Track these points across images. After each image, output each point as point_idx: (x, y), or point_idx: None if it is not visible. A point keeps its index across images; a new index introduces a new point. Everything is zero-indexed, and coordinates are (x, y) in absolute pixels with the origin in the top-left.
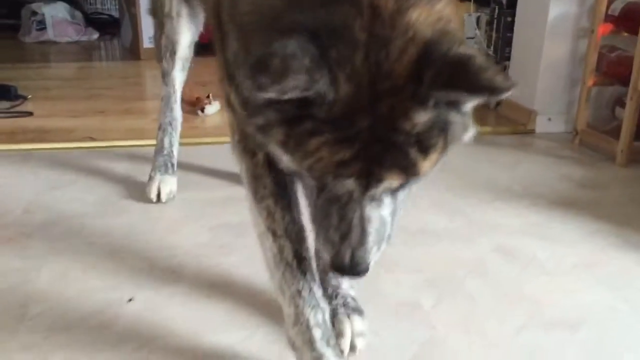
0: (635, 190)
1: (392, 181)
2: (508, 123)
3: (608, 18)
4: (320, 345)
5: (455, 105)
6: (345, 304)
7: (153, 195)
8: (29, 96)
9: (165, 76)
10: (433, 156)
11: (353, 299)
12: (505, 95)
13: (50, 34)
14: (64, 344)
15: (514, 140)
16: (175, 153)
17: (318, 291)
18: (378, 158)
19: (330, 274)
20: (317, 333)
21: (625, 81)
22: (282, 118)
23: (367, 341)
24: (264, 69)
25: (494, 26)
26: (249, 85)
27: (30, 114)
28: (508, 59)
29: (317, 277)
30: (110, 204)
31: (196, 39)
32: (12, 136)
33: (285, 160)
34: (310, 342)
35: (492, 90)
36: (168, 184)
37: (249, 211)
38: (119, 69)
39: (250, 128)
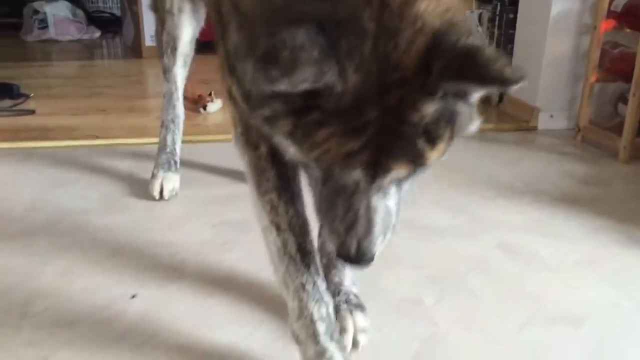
0: (638, 186)
1: (399, 171)
2: (510, 120)
3: (611, 14)
4: (324, 339)
5: (462, 96)
6: (347, 301)
7: (156, 193)
8: (32, 94)
9: (167, 72)
10: (440, 146)
11: (355, 295)
12: (515, 87)
13: (52, 33)
14: (68, 340)
15: (516, 137)
16: (178, 150)
17: (322, 285)
18: (386, 149)
19: (333, 271)
20: (320, 327)
21: (628, 77)
22: (289, 109)
23: (369, 337)
24: (273, 61)
25: (496, 23)
26: (258, 77)
27: (32, 112)
28: (510, 55)
29: (321, 271)
30: (113, 202)
31: (197, 34)
32: (14, 134)
33: (292, 151)
34: (314, 336)
35: (502, 81)
36: (171, 182)
37: (252, 204)
38: (121, 67)
39: (255, 119)
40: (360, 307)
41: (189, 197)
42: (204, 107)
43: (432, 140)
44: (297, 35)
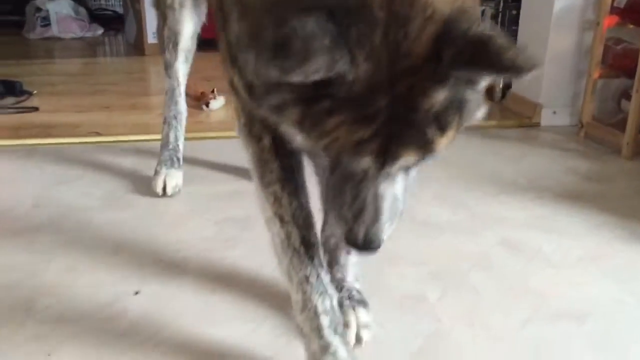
0: None
1: (408, 159)
2: (513, 116)
3: (614, 10)
4: (328, 333)
5: (471, 83)
6: (350, 297)
7: (159, 189)
8: (35, 92)
9: (168, 68)
10: (450, 133)
11: (358, 291)
12: (528, 75)
13: (54, 30)
14: (71, 336)
15: (519, 134)
16: (180, 147)
17: (326, 277)
18: (396, 136)
19: (336, 267)
20: (324, 320)
21: (631, 73)
22: (297, 97)
23: (372, 333)
24: (284, 52)
25: (499, 19)
26: (268, 67)
27: (35, 109)
28: None
29: (325, 263)
30: (117, 199)
31: (199, 30)
32: (17, 131)
33: (300, 140)
34: (318, 330)
35: (514, 69)
36: (174, 178)
37: (256, 196)
38: (123, 65)
39: (261, 108)
40: (362, 303)
41: (192, 194)
42: (207, 104)
43: (441, 127)
44: (308, 24)
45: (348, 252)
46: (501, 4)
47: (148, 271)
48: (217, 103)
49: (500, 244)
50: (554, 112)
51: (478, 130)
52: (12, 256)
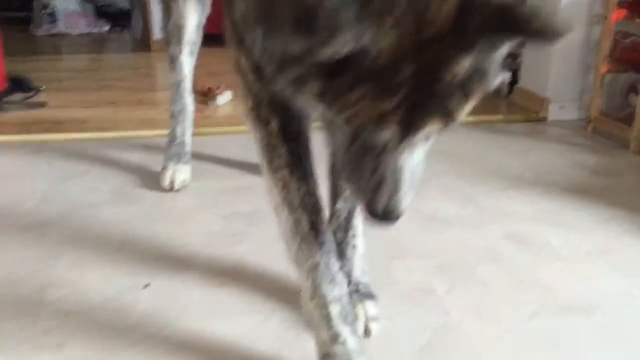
0: None
1: (432, 128)
2: (520, 111)
3: (622, 4)
4: (337, 323)
5: (495, 49)
6: (357, 290)
7: (166, 184)
8: (42, 88)
9: (173, 61)
10: (472, 102)
11: (365, 285)
12: (561, 39)
13: (61, 27)
14: (82, 328)
15: (526, 128)
16: (188, 142)
17: (335, 264)
18: (420, 106)
19: (343, 261)
20: (334, 309)
21: (639, 68)
22: (318, 70)
23: (381, 326)
24: (309, 27)
25: None
26: (295, 42)
27: (43, 105)
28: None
29: (334, 249)
30: (125, 193)
31: (204, 21)
32: (26, 127)
33: (319, 111)
34: (328, 319)
35: (546, 34)
36: (181, 173)
37: (264, 182)
38: (130, 61)
39: (278, 83)
40: (370, 296)
41: (200, 189)
42: (214, 100)
43: (466, 95)
44: None
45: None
46: None
47: (156, 265)
48: (224, 98)
49: (508, 237)
50: (562, 107)
51: (485, 125)
52: (21, 250)
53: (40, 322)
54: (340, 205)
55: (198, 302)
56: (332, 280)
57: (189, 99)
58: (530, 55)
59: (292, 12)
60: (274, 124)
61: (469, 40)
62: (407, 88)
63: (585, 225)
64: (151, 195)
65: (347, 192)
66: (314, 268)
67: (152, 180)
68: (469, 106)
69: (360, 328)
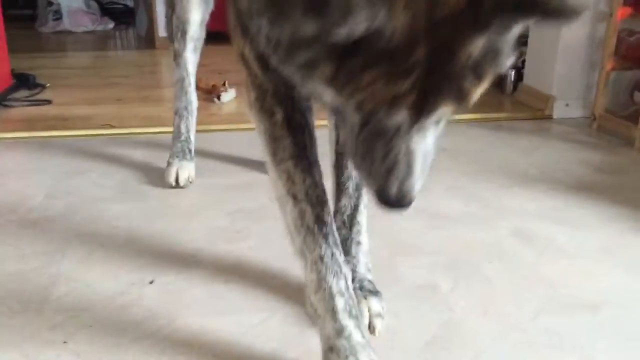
0: None
1: (445, 110)
2: (525, 109)
3: (627, 1)
4: (342, 316)
5: (508, 31)
6: (361, 287)
7: (171, 181)
8: (48, 85)
9: (178, 57)
10: (485, 83)
11: (369, 281)
12: (577, 19)
13: (66, 24)
14: (87, 324)
15: (531, 126)
16: (192, 138)
17: (340, 257)
18: (433, 88)
19: (347, 258)
20: (339, 302)
21: None
22: (329, 53)
23: (386, 322)
24: (322, 7)
25: None
26: (308, 23)
27: (49, 102)
28: (525, 44)
29: (339, 241)
30: (130, 190)
31: (207, 17)
32: (31, 124)
33: (329, 96)
34: (333, 312)
35: (564, 12)
36: (186, 170)
37: (268, 174)
38: (135, 58)
39: (286, 68)
40: (374, 292)
41: (205, 186)
42: (218, 97)
43: (478, 76)
44: None
45: (356, 253)
46: None
47: (161, 261)
48: (229, 95)
49: (513, 234)
50: (567, 105)
51: (490, 122)
52: (27, 246)
53: (46, 317)
54: (344, 202)
55: (202, 298)
56: (337, 273)
57: (193, 95)
58: (535, 52)
59: None
60: (279, 115)
61: (484, 20)
62: (421, 69)
63: (590, 223)
64: (156, 192)
65: (351, 188)
66: (319, 260)
67: (157, 176)
68: (481, 88)
69: (365, 325)
